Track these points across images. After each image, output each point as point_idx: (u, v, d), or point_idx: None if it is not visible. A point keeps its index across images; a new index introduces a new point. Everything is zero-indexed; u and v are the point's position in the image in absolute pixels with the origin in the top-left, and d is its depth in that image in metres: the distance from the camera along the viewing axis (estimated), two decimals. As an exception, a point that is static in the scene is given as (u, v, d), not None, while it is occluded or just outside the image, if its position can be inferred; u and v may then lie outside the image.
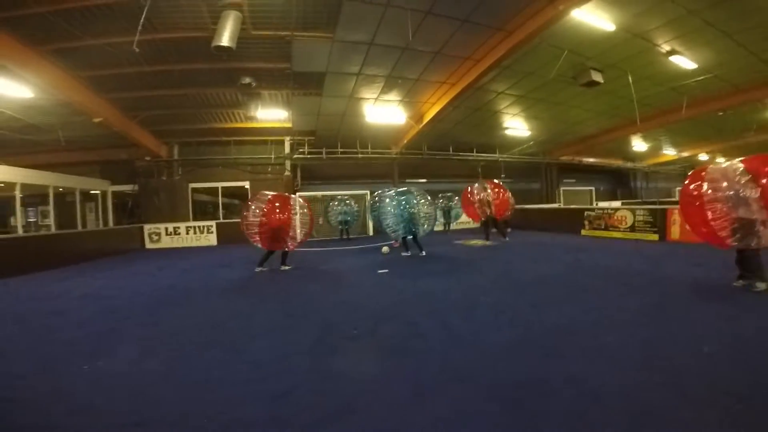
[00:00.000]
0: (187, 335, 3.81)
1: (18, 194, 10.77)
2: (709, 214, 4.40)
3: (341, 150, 15.72)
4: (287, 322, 4.16)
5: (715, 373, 2.45)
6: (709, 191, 4.42)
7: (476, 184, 11.33)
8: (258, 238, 7.14)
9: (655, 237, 10.38)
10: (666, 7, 7.48)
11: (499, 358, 2.90)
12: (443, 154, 17.42)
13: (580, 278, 5.69)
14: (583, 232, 12.57)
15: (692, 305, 4.08)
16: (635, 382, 2.40)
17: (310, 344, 3.40)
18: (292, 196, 7.73)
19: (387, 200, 9.19)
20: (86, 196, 14.60)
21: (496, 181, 11.76)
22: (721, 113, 13.49)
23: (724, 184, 4.30)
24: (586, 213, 12.75)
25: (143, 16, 6.58)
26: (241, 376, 2.79)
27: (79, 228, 13.19)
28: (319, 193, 15.23)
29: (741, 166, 4.25)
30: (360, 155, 15.95)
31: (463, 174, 18.29)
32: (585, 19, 7.65)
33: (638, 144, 19.85)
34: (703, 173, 4.67)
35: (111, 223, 14.88)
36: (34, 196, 12.98)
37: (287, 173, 15.39)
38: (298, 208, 7.29)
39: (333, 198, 14.68)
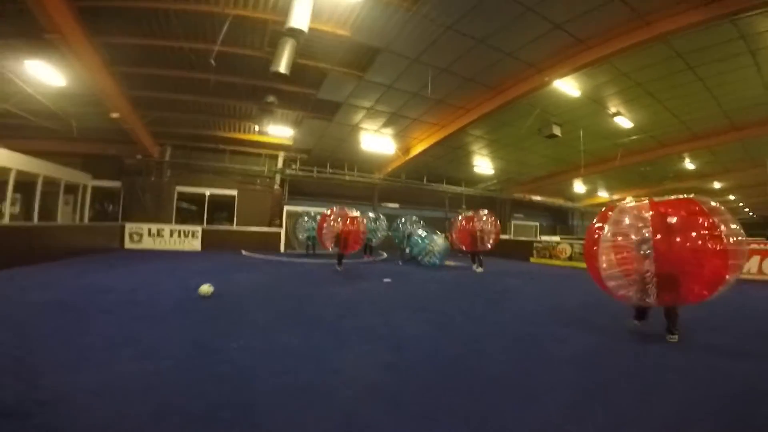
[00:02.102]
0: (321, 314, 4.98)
1: (12, 180, 10.65)
2: (604, 263, 4.00)
3: (330, 170, 17.03)
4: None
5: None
6: (612, 234, 4.02)
7: (464, 214, 12.03)
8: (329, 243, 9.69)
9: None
10: (621, 79, 10.03)
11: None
12: (418, 183, 19.36)
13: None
14: (531, 260, 14.95)
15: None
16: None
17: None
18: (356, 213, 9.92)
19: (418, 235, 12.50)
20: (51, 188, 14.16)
21: (484, 212, 11.81)
22: (646, 167, 16.93)
23: (629, 226, 3.94)
24: (534, 244, 15.32)
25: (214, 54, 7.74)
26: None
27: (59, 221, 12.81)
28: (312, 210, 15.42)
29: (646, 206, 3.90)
30: (348, 177, 17.36)
31: (432, 202, 20.43)
32: (559, 86, 9.98)
33: (578, 186, 23.32)
34: (609, 213, 4.17)
35: (86, 219, 14.60)
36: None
37: (276, 187, 16.31)
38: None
39: (302, 214, 15.11)
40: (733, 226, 3.63)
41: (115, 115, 11.46)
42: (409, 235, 15.58)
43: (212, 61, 8.13)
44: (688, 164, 17.66)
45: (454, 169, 18.71)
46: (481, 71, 9.58)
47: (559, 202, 26.70)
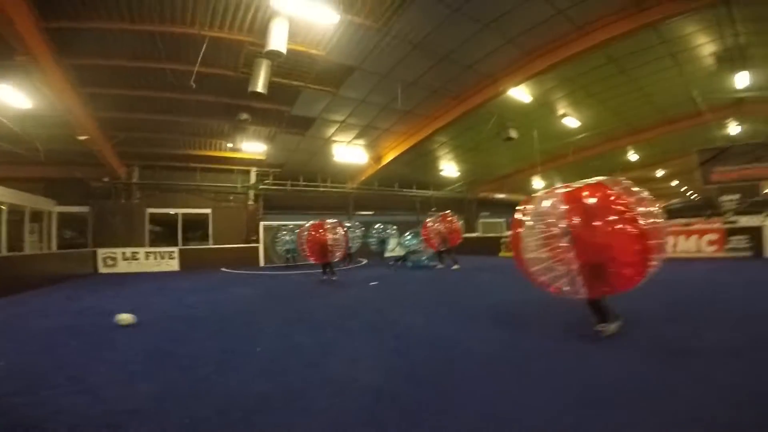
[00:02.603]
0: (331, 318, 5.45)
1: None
2: (531, 255, 3.79)
3: (303, 183, 17.37)
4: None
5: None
6: (535, 225, 3.78)
7: (430, 218, 12.68)
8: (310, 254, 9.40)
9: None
10: (566, 84, 11.26)
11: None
12: (390, 189, 20.08)
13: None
14: (500, 254, 15.98)
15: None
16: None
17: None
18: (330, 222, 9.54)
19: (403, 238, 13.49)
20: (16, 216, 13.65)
21: (449, 212, 12.54)
22: (596, 162, 18.53)
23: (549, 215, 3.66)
24: (502, 239, 16.36)
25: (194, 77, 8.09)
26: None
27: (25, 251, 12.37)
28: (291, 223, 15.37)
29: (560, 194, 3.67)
30: (321, 188, 17.78)
31: (404, 207, 21.23)
32: (513, 94, 10.99)
33: (537, 182, 24.86)
34: (529, 204, 3.94)
35: (54, 247, 14.13)
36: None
37: (251, 202, 16.46)
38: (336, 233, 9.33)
39: (280, 228, 15.12)
40: (649, 207, 3.52)
41: (83, 137, 11.26)
42: (384, 241, 16.48)
43: (192, 84, 8.44)
44: (632, 156, 19.54)
45: (423, 174, 19.60)
46: (444, 83, 10.46)
47: (521, 197, 28.18)
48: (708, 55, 9.79)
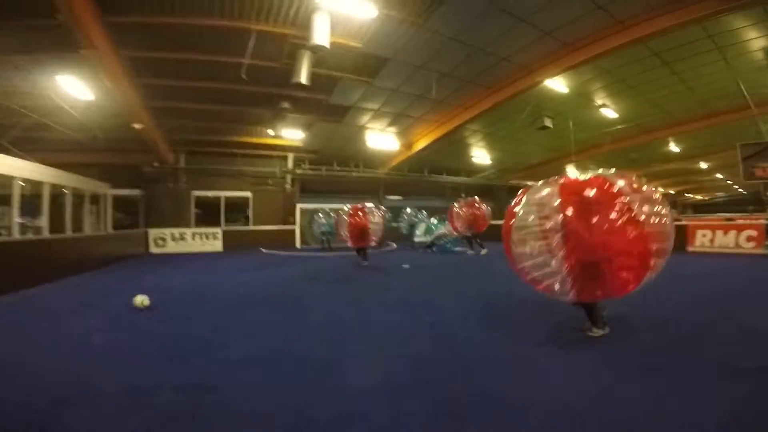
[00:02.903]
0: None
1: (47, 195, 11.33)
2: (521, 250, 3.53)
3: (338, 168, 17.98)
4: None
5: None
6: (526, 219, 3.51)
7: (457, 204, 12.56)
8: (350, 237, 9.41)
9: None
10: (605, 76, 11.10)
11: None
12: (420, 175, 20.41)
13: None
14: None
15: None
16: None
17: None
18: (369, 206, 9.74)
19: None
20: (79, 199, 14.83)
21: (476, 198, 12.71)
22: (634, 153, 18.07)
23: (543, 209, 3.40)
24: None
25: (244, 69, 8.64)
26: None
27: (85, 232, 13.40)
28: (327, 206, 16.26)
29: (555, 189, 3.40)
30: (354, 173, 18.33)
31: (434, 193, 21.47)
32: (549, 84, 10.97)
33: (571, 171, 24.41)
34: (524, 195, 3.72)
35: (110, 228, 15.34)
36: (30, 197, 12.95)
37: (288, 186, 17.25)
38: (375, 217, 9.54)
39: (317, 211, 15.85)
40: (655, 206, 3.27)
41: (137, 125, 12.21)
42: (413, 225, 16.86)
43: (243, 76, 8.99)
44: (673, 147, 18.86)
45: (453, 160, 19.74)
46: (479, 74, 10.57)
47: (553, 186, 27.78)
48: (758, 49, 9.43)
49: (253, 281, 7.65)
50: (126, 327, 4.35)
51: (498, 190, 24.49)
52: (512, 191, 21.51)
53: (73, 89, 9.87)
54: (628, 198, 3.17)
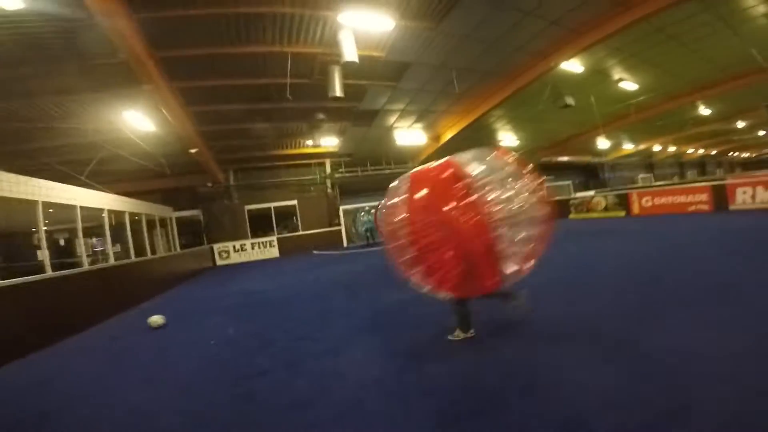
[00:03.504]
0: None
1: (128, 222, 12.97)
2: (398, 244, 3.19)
3: (372, 168, 19.11)
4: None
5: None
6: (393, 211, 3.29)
7: None
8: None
9: (623, 213, 14.26)
10: (616, 53, 11.47)
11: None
12: (450, 164, 21.08)
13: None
14: (570, 216, 16.40)
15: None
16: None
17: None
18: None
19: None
20: (151, 224, 16.66)
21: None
22: (663, 120, 17.93)
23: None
24: (570, 201, 16.73)
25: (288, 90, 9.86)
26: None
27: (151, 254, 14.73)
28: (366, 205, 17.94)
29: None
30: (387, 171, 19.40)
31: (465, 180, 22.10)
32: (565, 67, 11.44)
33: (602, 142, 24.28)
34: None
35: (178, 248, 16.99)
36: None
37: (329, 190, 18.58)
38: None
39: (359, 210, 17.43)
40: (509, 193, 2.95)
41: (193, 150, 13.78)
42: None
43: (289, 97, 10.20)
44: (704, 110, 18.46)
45: (481, 145, 20.13)
46: (496, 65, 11.27)
47: (586, 159, 27.58)
48: (760, 15, 9.57)
49: (321, 278, 8.83)
50: (249, 318, 5.58)
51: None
52: (546, 168, 22.12)
53: (137, 122, 10.77)
54: (470, 184, 2.94)
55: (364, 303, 5.55)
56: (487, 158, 3.18)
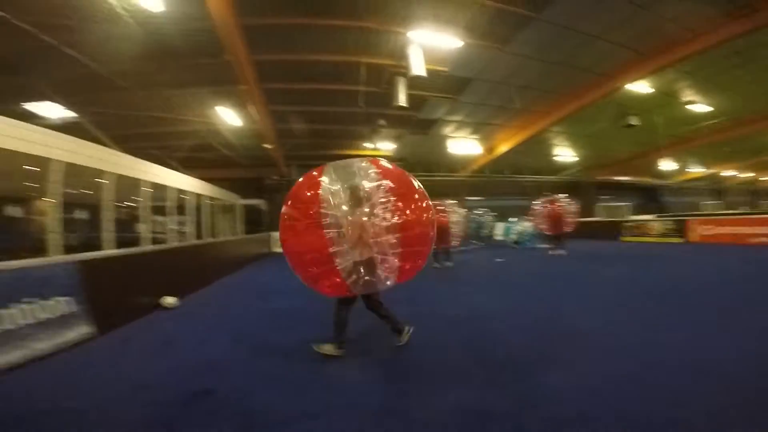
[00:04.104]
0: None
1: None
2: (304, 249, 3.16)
3: (422, 173, 19.73)
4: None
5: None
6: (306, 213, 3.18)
7: (539, 201, 12.47)
8: None
9: (680, 239, 13.82)
10: (686, 77, 11.28)
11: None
12: (501, 176, 21.30)
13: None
14: (622, 238, 16.06)
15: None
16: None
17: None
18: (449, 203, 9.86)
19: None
20: (225, 208, 18.34)
21: (561, 196, 12.10)
22: (734, 145, 17.01)
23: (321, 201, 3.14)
24: (622, 224, 16.40)
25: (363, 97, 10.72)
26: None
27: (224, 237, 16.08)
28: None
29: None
30: (438, 177, 19.96)
31: (515, 192, 22.13)
32: (631, 87, 11.42)
33: (666, 164, 23.19)
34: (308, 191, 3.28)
35: (242, 232, 18.43)
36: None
37: (380, 191, 19.43)
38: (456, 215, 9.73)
39: None
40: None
41: (268, 145, 15.14)
42: (480, 225, 17.65)
43: (361, 104, 11.06)
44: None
45: (535, 160, 20.31)
46: (559, 84, 11.52)
47: (647, 180, 26.40)
48: None
49: None
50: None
51: (586, 187, 24.18)
52: (601, 187, 21.59)
53: (228, 116, 12.12)
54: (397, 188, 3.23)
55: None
56: (357, 170, 3.29)
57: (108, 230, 6.57)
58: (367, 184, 3.18)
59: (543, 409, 2.27)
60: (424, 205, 3.36)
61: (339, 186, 3.17)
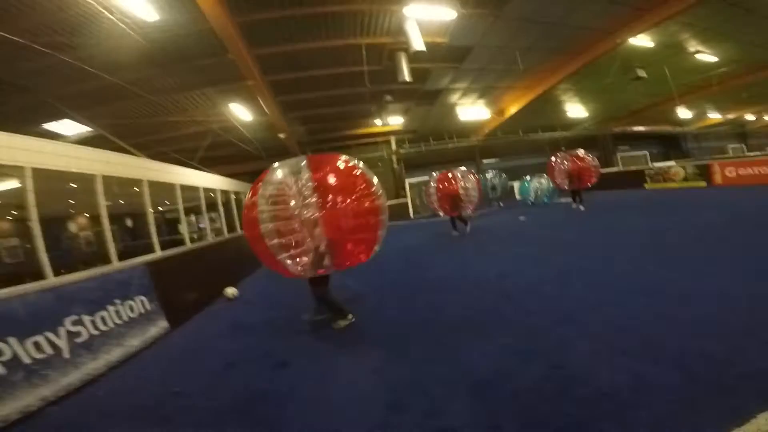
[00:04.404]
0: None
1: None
2: (270, 237, 3.56)
3: (434, 142, 19.99)
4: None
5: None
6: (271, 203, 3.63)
7: (556, 157, 12.11)
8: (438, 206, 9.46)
9: (704, 183, 13.79)
10: (688, 28, 11.04)
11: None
12: (515, 136, 21.25)
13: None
14: (646, 186, 16.06)
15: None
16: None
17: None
18: (461, 170, 9.92)
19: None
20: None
21: (580, 151, 11.74)
22: (750, 90, 16.44)
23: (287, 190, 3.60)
24: (646, 172, 16.34)
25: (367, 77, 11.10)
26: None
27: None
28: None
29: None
30: (450, 145, 20.17)
31: (530, 151, 22.12)
32: (634, 42, 11.24)
33: (683, 112, 22.47)
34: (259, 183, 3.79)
35: None
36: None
37: (395, 165, 19.91)
38: (467, 182, 9.48)
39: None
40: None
41: (282, 135, 15.72)
42: (494, 187, 18.16)
43: (367, 84, 11.42)
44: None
45: (547, 118, 20.11)
46: (559, 44, 11.47)
47: (666, 129, 25.67)
48: None
49: (404, 243, 9.85)
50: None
51: (603, 139, 23.87)
52: (619, 138, 21.37)
53: (239, 112, 12.64)
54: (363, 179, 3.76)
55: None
56: (293, 168, 3.73)
57: (153, 234, 7.17)
58: (292, 182, 3.65)
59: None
60: (367, 194, 3.71)
61: (270, 189, 3.68)
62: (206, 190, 10.53)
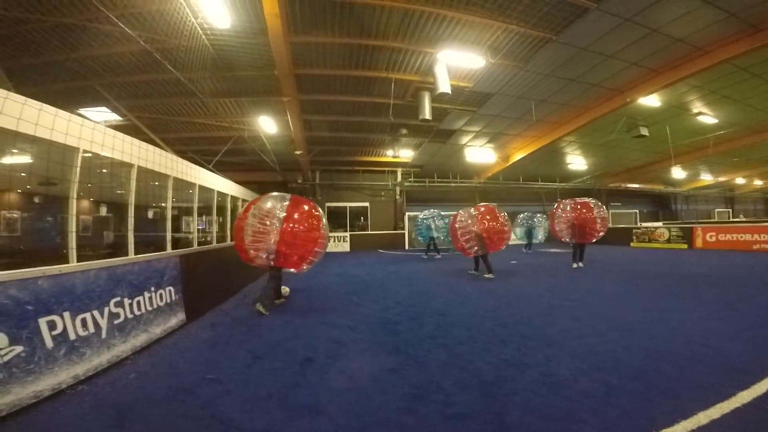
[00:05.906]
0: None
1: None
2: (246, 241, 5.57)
3: (438, 179, 20.55)
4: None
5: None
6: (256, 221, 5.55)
7: (561, 206, 11.11)
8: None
9: (685, 246, 14.53)
10: (695, 90, 11.96)
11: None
12: (515, 183, 21.99)
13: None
14: (632, 244, 16.72)
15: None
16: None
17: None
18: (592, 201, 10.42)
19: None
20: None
21: (590, 201, 10.70)
22: (746, 155, 17.54)
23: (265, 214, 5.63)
24: (633, 230, 17.07)
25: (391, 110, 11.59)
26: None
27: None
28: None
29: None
30: (453, 183, 20.75)
31: (528, 198, 22.81)
32: (641, 101, 12.09)
33: (677, 172, 23.67)
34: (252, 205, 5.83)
35: None
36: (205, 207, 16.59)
37: (398, 197, 20.32)
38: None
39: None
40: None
41: (298, 152, 16.01)
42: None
43: (391, 117, 11.91)
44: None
45: (548, 168, 21.01)
46: (574, 98, 12.28)
47: (658, 188, 26.89)
48: None
49: (397, 272, 10.47)
50: (364, 292, 7.38)
51: (597, 194, 24.79)
52: (613, 194, 22.33)
53: (266, 124, 12.83)
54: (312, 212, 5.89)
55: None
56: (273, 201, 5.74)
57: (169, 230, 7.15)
58: (268, 209, 5.66)
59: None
60: (315, 227, 5.82)
61: (258, 212, 5.65)
62: (219, 193, 10.73)
